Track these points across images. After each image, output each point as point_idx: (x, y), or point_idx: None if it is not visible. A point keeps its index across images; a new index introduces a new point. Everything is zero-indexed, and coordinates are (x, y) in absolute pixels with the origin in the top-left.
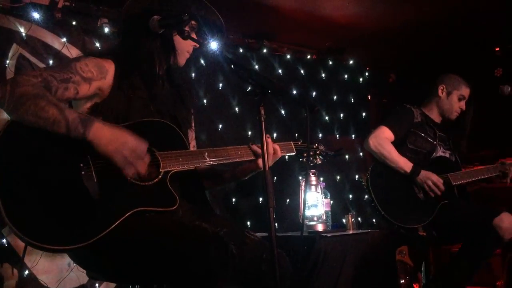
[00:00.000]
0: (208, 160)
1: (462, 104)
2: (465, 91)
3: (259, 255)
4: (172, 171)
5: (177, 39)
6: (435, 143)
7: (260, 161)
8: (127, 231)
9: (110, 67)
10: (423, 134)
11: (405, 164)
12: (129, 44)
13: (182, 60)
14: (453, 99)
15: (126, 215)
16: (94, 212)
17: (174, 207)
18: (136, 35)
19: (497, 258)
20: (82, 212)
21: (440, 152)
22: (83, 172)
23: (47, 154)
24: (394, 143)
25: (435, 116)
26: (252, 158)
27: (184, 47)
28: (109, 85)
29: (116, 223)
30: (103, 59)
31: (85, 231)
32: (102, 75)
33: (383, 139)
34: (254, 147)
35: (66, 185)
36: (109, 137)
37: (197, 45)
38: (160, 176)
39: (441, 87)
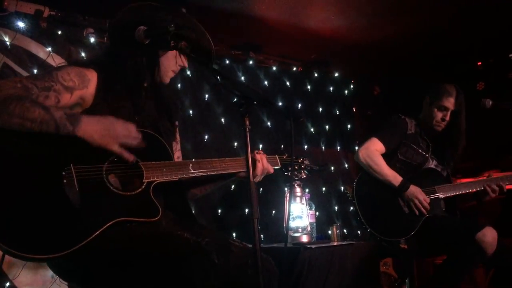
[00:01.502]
0: (192, 171)
1: (445, 114)
2: (447, 101)
3: (245, 261)
4: (156, 182)
5: (163, 57)
6: (427, 155)
7: (243, 174)
8: (108, 241)
9: (92, 77)
10: (415, 146)
11: (394, 178)
12: (114, 54)
13: (166, 78)
14: (433, 109)
15: (107, 225)
16: (75, 221)
17: (156, 218)
18: (121, 46)
19: (480, 270)
20: (62, 221)
21: (432, 165)
22: (65, 181)
23: (29, 162)
24: (385, 154)
25: (429, 128)
26: (237, 171)
27: (170, 65)
28: (92, 94)
29: (97, 233)
30: (86, 68)
31: (65, 240)
32: (84, 84)
33: (373, 151)
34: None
35: (47, 193)
36: (100, 130)
37: (185, 65)
38: (143, 187)
39: (426, 98)
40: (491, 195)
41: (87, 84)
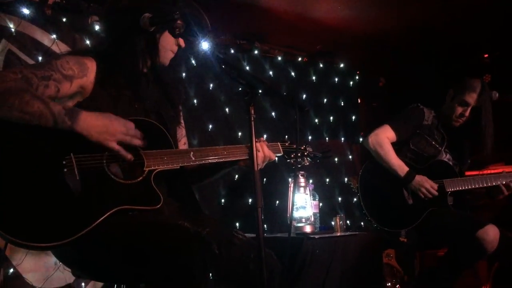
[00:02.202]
0: (193, 159)
1: (465, 110)
2: (469, 96)
3: (247, 254)
4: (157, 170)
5: (161, 39)
6: (440, 148)
7: (248, 162)
8: (109, 229)
9: (91, 65)
10: (429, 138)
11: (400, 168)
12: (112, 41)
13: (166, 59)
14: (454, 103)
15: (108, 213)
16: (76, 210)
17: (157, 206)
18: (120, 32)
19: (484, 264)
20: (63, 209)
21: (445, 159)
22: (65, 170)
23: (29, 152)
24: (396, 142)
25: (447, 121)
26: (239, 158)
27: (168, 45)
28: (91, 83)
29: (98, 221)
30: (85, 56)
31: (66, 229)
32: (83, 72)
33: (383, 138)
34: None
35: (48, 182)
36: (98, 126)
37: (183, 45)
38: (144, 175)
39: (450, 91)
40: (505, 193)
41: (87, 72)
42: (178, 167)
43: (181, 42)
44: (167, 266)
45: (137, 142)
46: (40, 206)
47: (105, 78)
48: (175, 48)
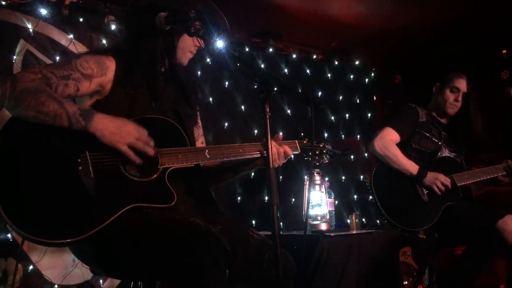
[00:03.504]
0: (208, 157)
1: (457, 96)
2: (457, 82)
3: (262, 254)
4: (171, 168)
5: (181, 39)
6: (440, 143)
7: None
8: (124, 226)
9: (110, 64)
10: (428, 134)
11: (412, 167)
12: (131, 40)
13: (184, 59)
14: (446, 92)
15: (122, 210)
16: (91, 207)
17: (171, 204)
18: (139, 32)
19: (501, 262)
20: (78, 207)
21: (446, 153)
22: (80, 167)
23: (45, 150)
24: (398, 143)
25: (439, 115)
26: (255, 155)
27: (187, 46)
28: (110, 81)
29: (112, 219)
30: (104, 55)
31: (81, 226)
32: (102, 71)
33: (388, 141)
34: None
35: (64, 180)
36: (111, 128)
37: (202, 46)
38: (158, 173)
39: (436, 85)
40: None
41: (106, 71)
42: (193, 165)
43: (201, 42)
44: (178, 262)
45: (148, 149)
46: (55, 203)
47: (124, 77)
48: (194, 49)
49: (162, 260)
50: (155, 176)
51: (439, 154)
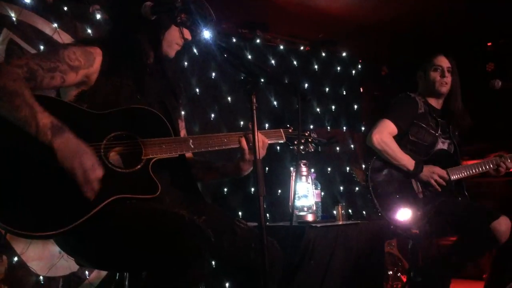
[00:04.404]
0: (192, 147)
1: (442, 72)
2: (438, 59)
3: (248, 243)
4: (155, 159)
5: (167, 31)
6: (436, 134)
7: (245, 152)
8: (107, 218)
9: (97, 55)
10: (425, 126)
11: (408, 162)
12: (117, 31)
13: (171, 52)
14: (430, 73)
15: (105, 202)
16: (73, 199)
17: (155, 195)
18: (125, 22)
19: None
20: (60, 199)
21: (440, 143)
22: None
23: (26, 142)
24: (396, 135)
25: (433, 101)
26: (237, 146)
27: (174, 39)
28: (96, 72)
29: (95, 211)
30: (91, 46)
31: (63, 218)
32: (89, 63)
33: (386, 135)
34: (243, 140)
35: (46, 172)
36: (72, 151)
37: (189, 38)
38: (142, 164)
39: (419, 74)
40: (502, 172)
41: (93, 62)
42: (177, 155)
43: (188, 34)
44: (162, 253)
45: (86, 188)
46: (36, 195)
47: (109, 68)
48: (181, 41)
49: (145, 251)
50: (138, 167)
51: (435, 145)
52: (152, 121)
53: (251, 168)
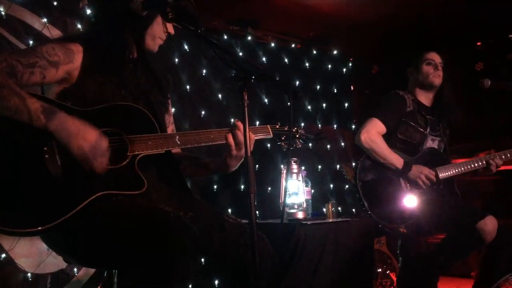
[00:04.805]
0: (179, 143)
1: (435, 65)
2: (429, 55)
3: (237, 239)
4: (141, 155)
5: (152, 25)
6: (425, 132)
7: (231, 148)
8: (93, 215)
9: (78, 51)
10: (414, 124)
11: (397, 161)
12: (101, 26)
13: (154, 46)
14: (423, 68)
15: (90, 199)
16: (58, 196)
17: (141, 190)
18: (110, 17)
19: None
20: (45, 196)
21: (429, 141)
22: (46, 156)
23: (12, 139)
24: (385, 134)
25: (423, 98)
26: (224, 142)
27: (157, 33)
28: (77, 69)
29: (79, 207)
30: (71, 43)
31: (47, 215)
32: (69, 59)
33: (375, 134)
34: (229, 136)
35: (30, 169)
36: (71, 130)
37: (172, 33)
38: (127, 160)
39: (409, 70)
40: (493, 170)
41: (73, 58)
42: (163, 151)
43: (171, 29)
44: (146, 250)
45: (95, 164)
46: (20, 192)
47: (92, 64)
48: (164, 36)
49: (129, 248)
50: (124, 163)
51: (424, 144)
52: (138, 117)
53: (238, 164)
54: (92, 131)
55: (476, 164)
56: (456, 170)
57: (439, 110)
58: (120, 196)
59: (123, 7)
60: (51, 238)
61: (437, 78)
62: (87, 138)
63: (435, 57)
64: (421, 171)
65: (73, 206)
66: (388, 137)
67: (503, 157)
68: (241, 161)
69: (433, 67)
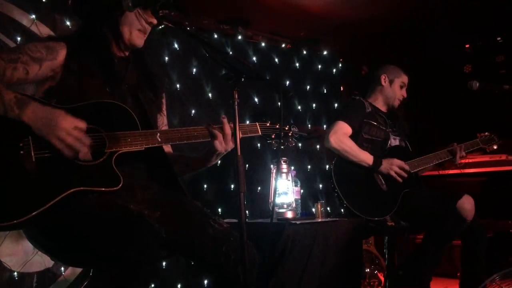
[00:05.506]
0: (160, 141)
1: (404, 91)
2: (405, 78)
3: (219, 246)
4: (119, 152)
5: (122, 18)
6: (387, 130)
7: (216, 142)
8: (66, 211)
9: (61, 49)
10: (375, 123)
11: (367, 158)
12: (83, 24)
13: (136, 39)
14: (395, 86)
15: (63, 195)
16: (31, 192)
17: (115, 188)
18: (89, 16)
19: (458, 251)
20: (18, 192)
21: (392, 140)
22: (21, 152)
23: None
24: (351, 135)
25: (380, 105)
26: (208, 139)
27: (133, 25)
28: (61, 66)
29: (51, 203)
30: (55, 41)
31: (17, 210)
32: (52, 55)
33: (342, 135)
34: (211, 128)
35: (5, 164)
36: (44, 119)
37: (154, 22)
38: (104, 157)
39: (383, 77)
40: (458, 160)
41: (56, 55)
42: (143, 148)
43: (152, 18)
44: (109, 249)
45: (77, 145)
46: None
47: (76, 62)
48: (146, 27)
49: (94, 247)
50: (101, 160)
51: (388, 141)
52: (119, 114)
53: (218, 160)
54: (66, 117)
55: (440, 157)
56: (425, 164)
57: (393, 115)
58: (96, 193)
59: (105, 4)
60: (33, 236)
61: (399, 103)
62: (62, 125)
63: (406, 81)
64: (391, 163)
65: (43, 202)
66: (354, 139)
67: (464, 147)
68: (221, 156)
69: (402, 93)
